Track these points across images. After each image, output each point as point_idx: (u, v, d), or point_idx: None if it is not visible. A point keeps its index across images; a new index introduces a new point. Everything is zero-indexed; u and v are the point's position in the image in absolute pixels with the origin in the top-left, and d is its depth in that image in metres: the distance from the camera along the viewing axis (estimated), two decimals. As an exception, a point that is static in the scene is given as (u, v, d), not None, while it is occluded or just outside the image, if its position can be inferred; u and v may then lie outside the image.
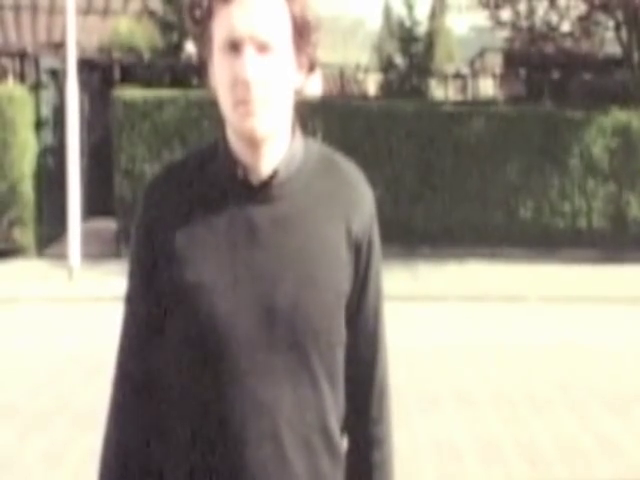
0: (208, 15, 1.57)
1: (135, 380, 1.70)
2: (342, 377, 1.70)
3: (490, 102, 15.10)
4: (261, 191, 1.63)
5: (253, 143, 1.61)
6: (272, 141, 1.63)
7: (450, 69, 19.58)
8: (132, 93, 12.45)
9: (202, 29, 1.59)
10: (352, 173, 1.74)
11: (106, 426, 1.77)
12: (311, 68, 1.67)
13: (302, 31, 1.61)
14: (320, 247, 1.63)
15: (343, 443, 1.75)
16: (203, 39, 1.60)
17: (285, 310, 1.59)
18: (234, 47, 1.55)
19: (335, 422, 1.68)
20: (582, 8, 14.05)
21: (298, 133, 1.72)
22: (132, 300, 1.71)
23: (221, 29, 1.56)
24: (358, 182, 1.74)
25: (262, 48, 1.56)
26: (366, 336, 1.73)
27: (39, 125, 12.09)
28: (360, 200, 1.71)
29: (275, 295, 1.59)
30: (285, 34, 1.59)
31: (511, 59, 17.31)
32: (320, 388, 1.64)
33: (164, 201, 1.66)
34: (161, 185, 1.69)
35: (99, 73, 14.51)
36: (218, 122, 1.70)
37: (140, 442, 1.70)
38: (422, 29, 18.32)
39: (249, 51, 1.55)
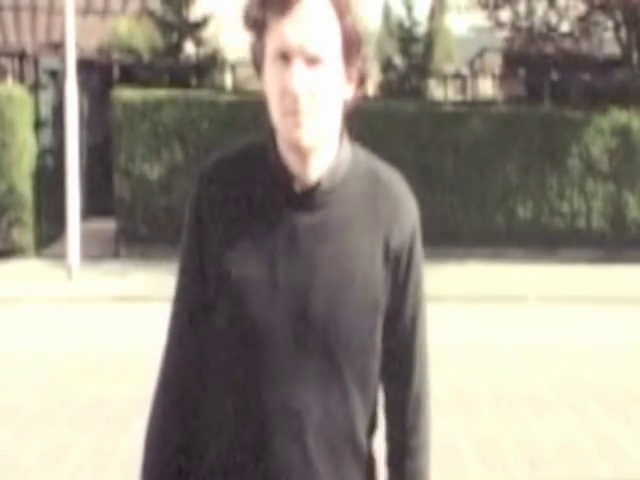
0: (262, 25, 1.61)
1: (180, 364, 1.75)
2: (375, 387, 1.73)
3: (489, 102, 15.10)
4: (304, 199, 1.67)
5: (300, 152, 1.65)
6: (319, 151, 1.66)
7: (449, 69, 19.60)
8: (131, 93, 12.44)
9: (256, 38, 1.64)
10: (397, 186, 1.77)
11: (152, 403, 1.80)
12: (361, 80, 1.69)
13: (352, 45, 1.63)
14: (354, 258, 1.66)
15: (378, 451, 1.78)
16: (257, 48, 1.65)
17: (317, 320, 1.63)
18: (285, 58, 1.59)
19: (363, 431, 1.72)
20: (581, 8, 14.05)
21: (346, 143, 1.74)
22: (184, 280, 1.75)
23: (274, 40, 1.60)
24: (402, 195, 1.76)
25: (311, 61, 1.59)
26: (402, 348, 1.77)
27: (38, 125, 12.09)
28: (401, 214, 1.72)
29: (309, 304, 1.63)
30: (335, 47, 1.61)
31: (510, 59, 17.32)
32: (350, 397, 1.67)
33: (214, 195, 1.70)
34: (212, 178, 1.72)
35: (98, 73, 14.50)
36: (267, 126, 1.72)
37: (179, 428, 1.74)
38: (421, 29, 18.30)
39: (298, 63, 1.58)
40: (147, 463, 1.77)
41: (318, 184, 1.67)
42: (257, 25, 1.62)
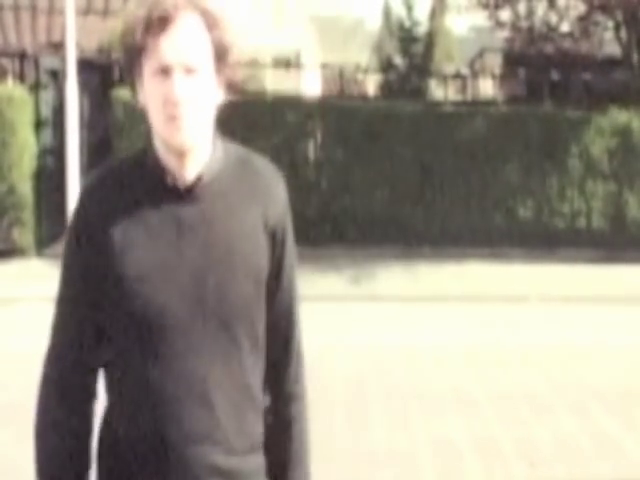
0: (141, 49, 1.82)
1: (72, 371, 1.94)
2: (264, 346, 1.97)
3: (490, 102, 15.11)
4: (187, 194, 1.87)
5: (180, 153, 1.86)
6: (197, 150, 1.87)
7: (450, 69, 19.56)
8: (131, 94, 12.44)
9: (133, 57, 1.85)
10: (267, 170, 1.98)
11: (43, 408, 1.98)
12: (229, 86, 1.91)
13: (221, 54, 1.86)
14: (240, 239, 1.89)
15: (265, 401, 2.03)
16: (133, 65, 1.86)
17: (213, 299, 1.86)
18: (164, 72, 1.81)
19: (259, 385, 1.96)
20: (581, 8, 14.06)
21: (218, 141, 1.94)
22: (70, 295, 2.00)
23: (153, 58, 1.82)
24: (272, 177, 1.97)
25: (188, 71, 1.81)
26: (283, 311, 1.99)
27: (39, 125, 12.09)
28: (274, 192, 1.95)
29: (203, 284, 1.85)
30: (207, 58, 1.84)
31: (511, 59, 17.33)
32: (245, 359, 1.91)
33: (100, 205, 1.88)
34: (97, 189, 1.91)
35: (99, 73, 14.48)
36: (146, 133, 1.93)
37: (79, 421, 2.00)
38: (422, 29, 18.36)
39: (177, 75, 1.80)
40: (49, 452, 1.97)
41: (198, 179, 1.87)
42: (137, 49, 1.83)
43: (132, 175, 1.90)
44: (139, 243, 1.85)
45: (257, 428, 1.97)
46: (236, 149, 1.98)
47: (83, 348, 1.93)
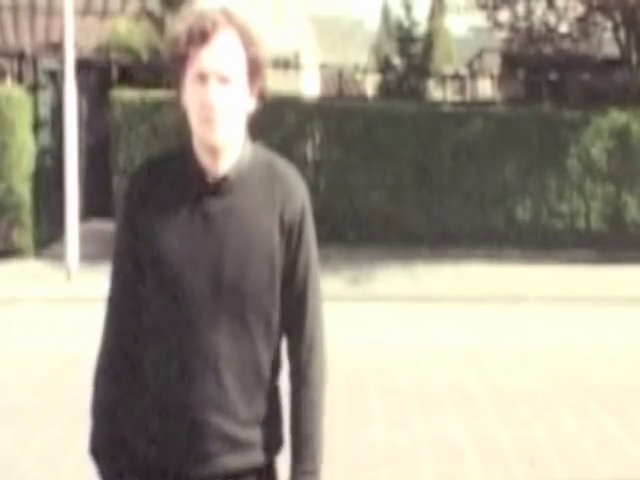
0: (185, 57, 2.10)
1: (121, 322, 2.26)
2: (277, 333, 2.21)
3: (488, 103, 15.11)
4: (215, 188, 2.15)
5: (213, 151, 2.13)
6: (228, 150, 2.14)
7: (448, 70, 19.61)
8: (130, 94, 12.45)
9: (178, 65, 2.12)
10: (288, 173, 2.22)
11: (98, 356, 2.39)
12: (261, 95, 2.18)
13: (254, 68, 2.13)
14: (256, 231, 2.14)
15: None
16: (178, 71, 2.12)
17: (228, 280, 2.13)
18: (202, 79, 2.08)
19: (268, 367, 2.20)
20: (580, 9, 14.07)
21: (248, 143, 2.21)
22: (118, 262, 2.24)
23: (193, 66, 2.09)
24: (292, 180, 2.22)
25: (222, 80, 2.08)
26: (296, 299, 2.22)
27: (37, 126, 12.08)
28: (292, 194, 2.19)
29: (221, 268, 2.12)
30: (241, 70, 2.11)
31: (509, 60, 17.35)
32: (255, 340, 2.16)
33: (144, 191, 2.18)
34: (143, 177, 2.21)
35: (97, 74, 14.47)
36: (186, 132, 2.18)
37: (121, 372, 2.28)
38: (420, 30, 18.38)
39: (212, 82, 2.07)
40: (102, 399, 2.28)
41: (226, 176, 2.15)
42: (181, 58, 2.10)
43: (171, 168, 2.19)
44: (171, 229, 2.14)
45: (263, 403, 2.20)
46: (265, 153, 2.23)
47: (127, 316, 2.23)
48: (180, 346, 2.14)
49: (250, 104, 2.16)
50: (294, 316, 2.21)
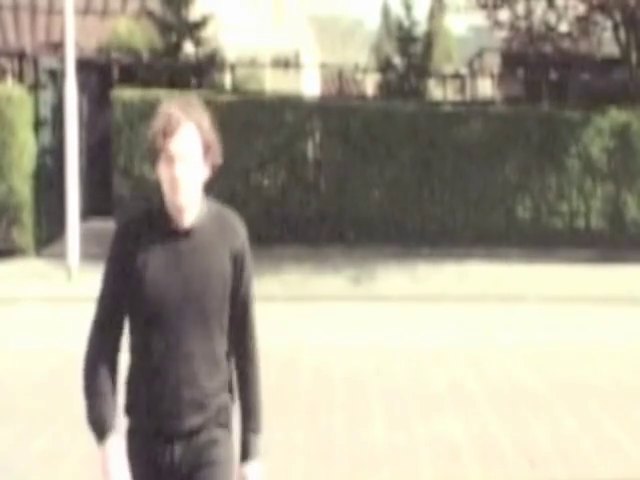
0: (159, 146, 2.89)
1: (107, 332, 3.03)
2: (227, 329, 3.03)
3: (488, 102, 15.12)
4: (184, 235, 2.96)
5: (179, 209, 2.93)
6: (190, 208, 2.94)
7: (448, 69, 19.62)
8: (131, 93, 12.45)
9: (156, 151, 2.90)
10: (233, 218, 3.05)
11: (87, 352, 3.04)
12: (213, 167, 2.97)
13: (208, 148, 2.93)
14: (214, 261, 2.97)
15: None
16: (156, 155, 2.91)
17: (194, 297, 2.94)
18: (170, 160, 2.87)
19: (223, 355, 3.02)
20: (580, 8, 14.06)
21: (204, 200, 2.99)
22: (107, 293, 3.02)
23: (165, 151, 2.88)
24: (237, 225, 3.04)
25: (184, 161, 2.87)
26: (241, 306, 3.05)
27: (38, 125, 12.09)
28: (237, 235, 3.03)
29: (189, 289, 2.94)
30: (198, 151, 2.90)
31: (509, 59, 17.34)
32: (214, 336, 2.98)
33: (131, 239, 2.96)
34: (129, 227, 2.99)
35: (98, 73, 14.49)
36: (160, 196, 2.94)
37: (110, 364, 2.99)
38: (420, 29, 18.34)
39: (177, 163, 2.87)
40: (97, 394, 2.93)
41: (191, 226, 2.95)
42: (157, 148, 2.89)
43: (151, 220, 2.99)
44: (153, 263, 2.94)
45: (221, 377, 3.03)
46: (215, 206, 3.04)
47: (112, 325, 3.00)
48: (160, 344, 2.93)
49: (205, 174, 2.95)
50: (240, 317, 3.05)
